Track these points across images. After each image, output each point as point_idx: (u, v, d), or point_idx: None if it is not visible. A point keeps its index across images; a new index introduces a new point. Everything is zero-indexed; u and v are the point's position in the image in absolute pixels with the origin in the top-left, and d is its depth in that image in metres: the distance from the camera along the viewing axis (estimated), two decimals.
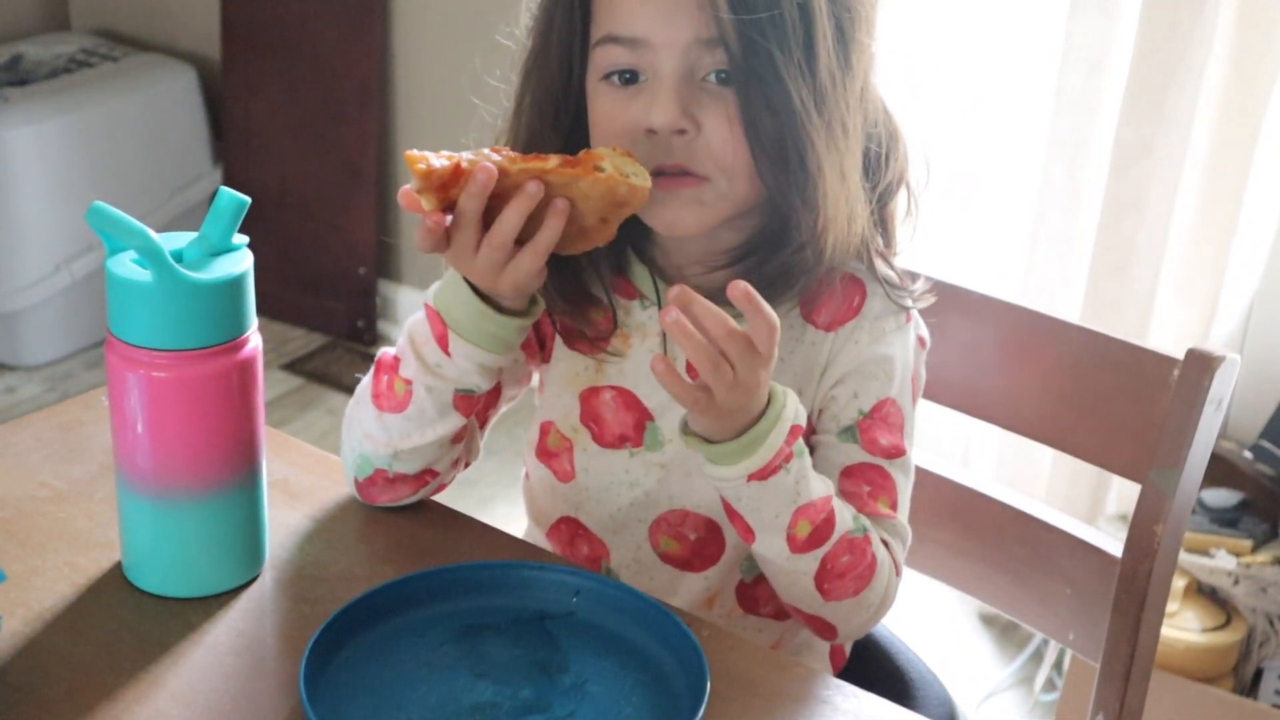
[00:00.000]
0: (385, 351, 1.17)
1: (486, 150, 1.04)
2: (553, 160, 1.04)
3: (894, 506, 1.18)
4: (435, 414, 1.15)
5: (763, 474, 1.07)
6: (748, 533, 1.12)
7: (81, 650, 1.04)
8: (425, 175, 1.02)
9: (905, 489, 1.20)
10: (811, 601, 1.14)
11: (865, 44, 1.12)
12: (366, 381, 1.18)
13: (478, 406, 1.17)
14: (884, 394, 1.18)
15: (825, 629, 1.17)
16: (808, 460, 1.10)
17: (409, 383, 1.13)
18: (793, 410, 1.07)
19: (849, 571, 1.12)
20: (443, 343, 1.11)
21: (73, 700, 0.99)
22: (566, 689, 1.01)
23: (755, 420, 1.06)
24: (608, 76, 1.12)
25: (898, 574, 1.17)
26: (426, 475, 1.19)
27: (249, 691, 1.00)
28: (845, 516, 1.12)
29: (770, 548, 1.11)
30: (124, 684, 1.00)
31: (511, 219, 1.04)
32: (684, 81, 1.09)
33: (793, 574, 1.13)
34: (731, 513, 1.12)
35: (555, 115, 1.16)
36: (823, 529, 1.10)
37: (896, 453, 1.18)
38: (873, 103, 1.16)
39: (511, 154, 1.04)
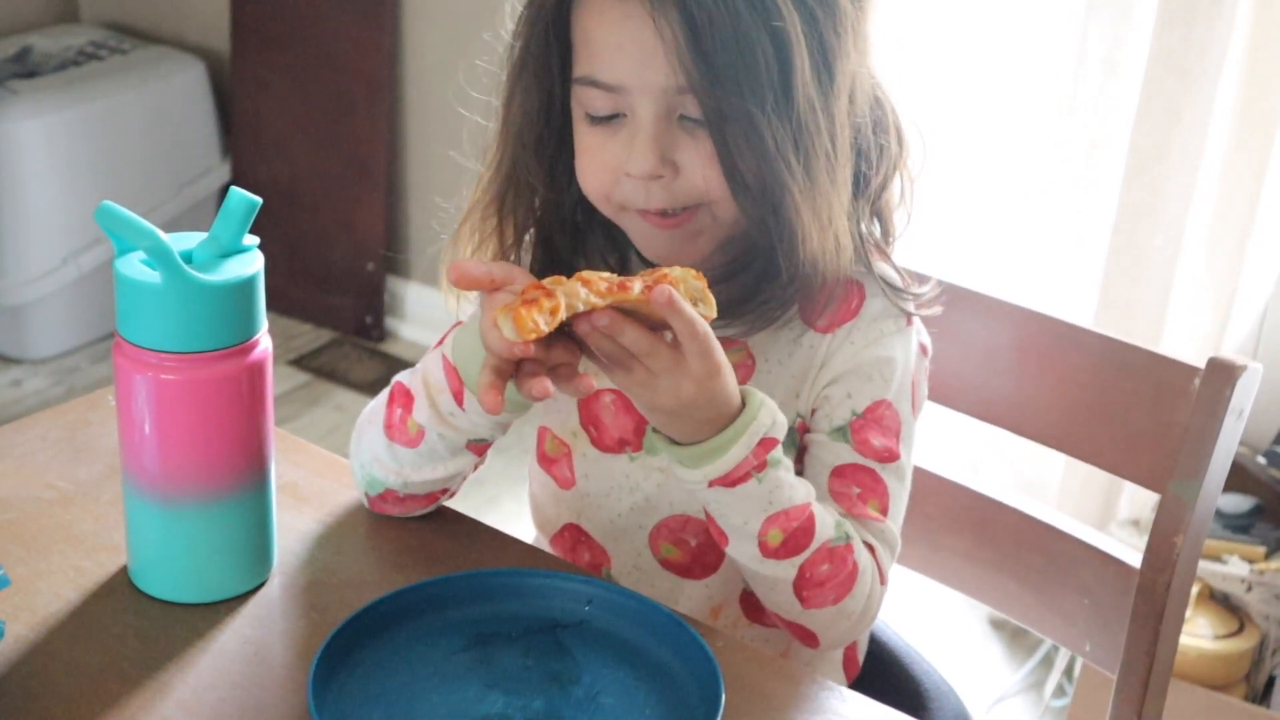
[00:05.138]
0: (400, 379, 1.15)
1: (580, 288, 0.99)
2: (636, 287, 1.00)
3: (884, 511, 1.16)
4: (447, 454, 1.13)
5: (726, 481, 1.06)
6: (720, 535, 1.11)
7: (86, 656, 1.02)
8: (532, 331, 0.97)
9: (898, 495, 1.18)
10: (791, 608, 1.13)
11: (852, 55, 1.10)
12: (379, 406, 1.17)
13: (489, 448, 1.16)
14: (879, 395, 1.17)
15: (807, 636, 1.15)
16: (784, 470, 1.08)
17: (422, 425, 1.12)
18: (766, 422, 1.06)
19: (829, 580, 1.11)
20: (458, 398, 1.09)
21: (76, 707, 0.97)
22: (579, 700, 1.00)
23: (722, 427, 1.05)
24: (588, 114, 1.12)
25: (882, 582, 1.15)
26: (438, 494, 1.18)
27: (256, 699, 0.99)
28: (826, 524, 1.11)
29: (741, 552, 1.11)
30: (129, 691, 0.99)
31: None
32: (661, 124, 1.08)
33: (769, 579, 1.11)
34: (706, 514, 1.11)
35: (537, 142, 1.15)
36: (797, 537, 1.09)
37: (889, 456, 1.16)
38: (862, 100, 1.13)
39: (603, 280, 1.00)
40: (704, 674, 1.00)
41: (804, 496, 1.09)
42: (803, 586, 1.11)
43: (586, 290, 0.99)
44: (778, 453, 1.07)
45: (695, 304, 1.02)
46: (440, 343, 1.17)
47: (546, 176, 1.17)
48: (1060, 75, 2.23)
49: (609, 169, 1.11)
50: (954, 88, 2.33)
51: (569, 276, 1.13)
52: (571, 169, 1.16)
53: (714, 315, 1.02)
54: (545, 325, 0.97)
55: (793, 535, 1.08)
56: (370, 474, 1.17)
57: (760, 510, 1.08)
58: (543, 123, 1.15)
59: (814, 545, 1.09)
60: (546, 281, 1.00)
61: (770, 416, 1.06)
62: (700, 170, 1.09)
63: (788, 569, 1.10)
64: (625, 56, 1.07)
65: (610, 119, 1.10)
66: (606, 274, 1.01)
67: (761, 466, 1.06)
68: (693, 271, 1.02)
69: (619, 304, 0.99)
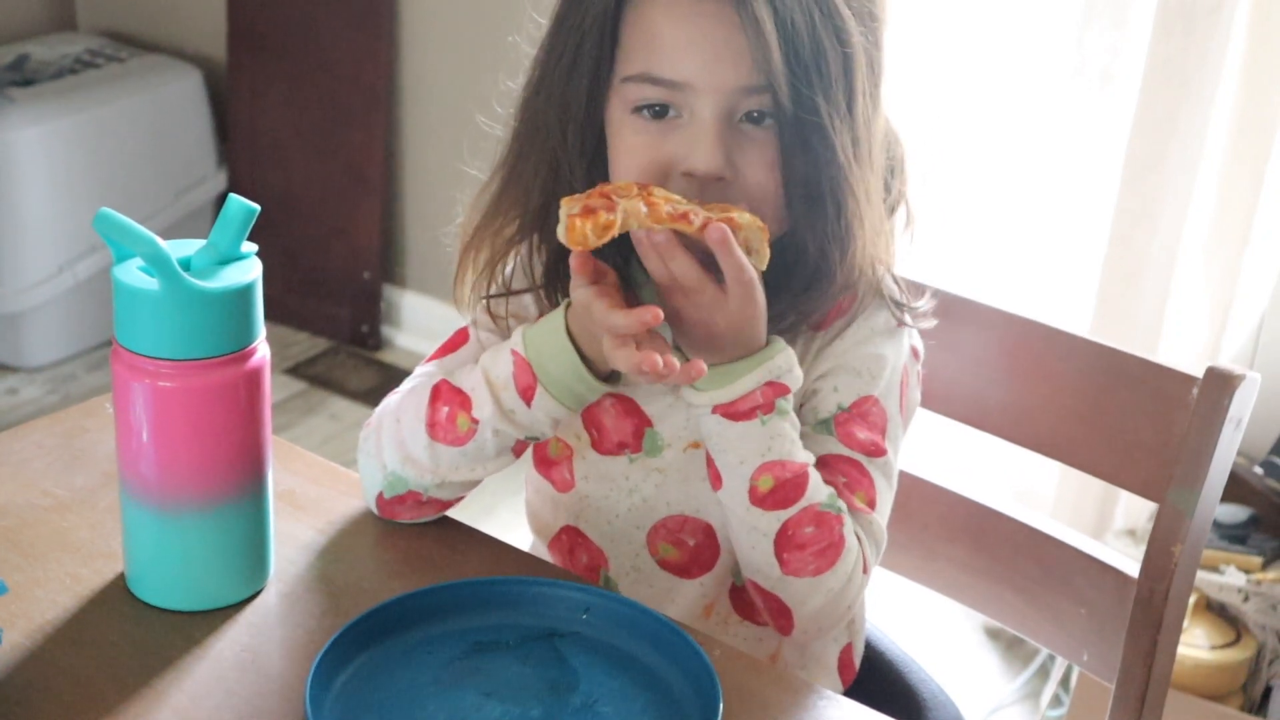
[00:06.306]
0: (442, 378, 1.15)
1: (641, 207, 1.03)
2: (697, 220, 1.04)
3: (870, 505, 1.16)
4: (493, 453, 1.14)
5: (730, 412, 1.09)
6: (715, 478, 1.13)
7: (83, 663, 1.02)
8: (580, 242, 1.02)
9: (884, 491, 1.18)
10: (769, 572, 1.13)
11: (885, 75, 1.12)
12: (415, 406, 1.15)
13: (527, 449, 1.17)
14: (866, 391, 1.17)
15: (781, 613, 1.15)
16: (790, 426, 1.11)
17: (476, 422, 1.12)
18: (781, 365, 1.09)
19: (810, 544, 1.11)
20: (527, 394, 1.10)
21: (73, 715, 0.97)
22: (576, 709, 0.99)
23: (740, 358, 1.09)
24: (638, 109, 1.11)
25: (865, 572, 1.15)
26: (457, 499, 1.18)
27: (253, 707, 0.99)
28: (820, 489, 1.12)
29: (732, 495, 1.12)
30: (126, 698, 0.99)
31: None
32: (723, 124, 1.08)
33: (753, 532, 1.12)
34: (706, 457, 1.14)
35: (581, 146, 1.14)
36: (788, 489, 1.10)
37: (875, 450, 1.17)
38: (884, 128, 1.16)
39: (667, 203, 1.04)
40: (701, 682, 1.00)
41: (804, 457, 1.12)
42: (784, 546, 1.11)
43: (647, 210, 1.02)
44: (786, 403, 1.10)
45: (750, 253, 1.05)
46: (453, 344, 1.21)
47: (585, 177, 1.15)
48: (1056, 85, 2.24)
49: (659, 166, 1.10)
50: (950, 97, 2.33)
51: (570, 274, 1.13)
52: (598, 172, 1.15)
53: (764, 268, 1.06)
54: (594, 239, 1.01)
55: (783, 485, 1.10)
56: (396, 474, 1.16)
57: (758, 453, 1.10)
58: (585, 125, 1.13)
59: (802, 503, 1.11)
60: (614, 188, 1.03)
61: (787, 362, 1.09)
62: (758, 172, 1.09)
63: (771, 521, 1.11)
64: (696, 53, 1.07)
65: (659, 117, 1.10)
66: (675, 196, 1.05)
67: (768, 409, 1.09)
68: (759, 222, 1.06)
69: (677, 230, 1.03)
